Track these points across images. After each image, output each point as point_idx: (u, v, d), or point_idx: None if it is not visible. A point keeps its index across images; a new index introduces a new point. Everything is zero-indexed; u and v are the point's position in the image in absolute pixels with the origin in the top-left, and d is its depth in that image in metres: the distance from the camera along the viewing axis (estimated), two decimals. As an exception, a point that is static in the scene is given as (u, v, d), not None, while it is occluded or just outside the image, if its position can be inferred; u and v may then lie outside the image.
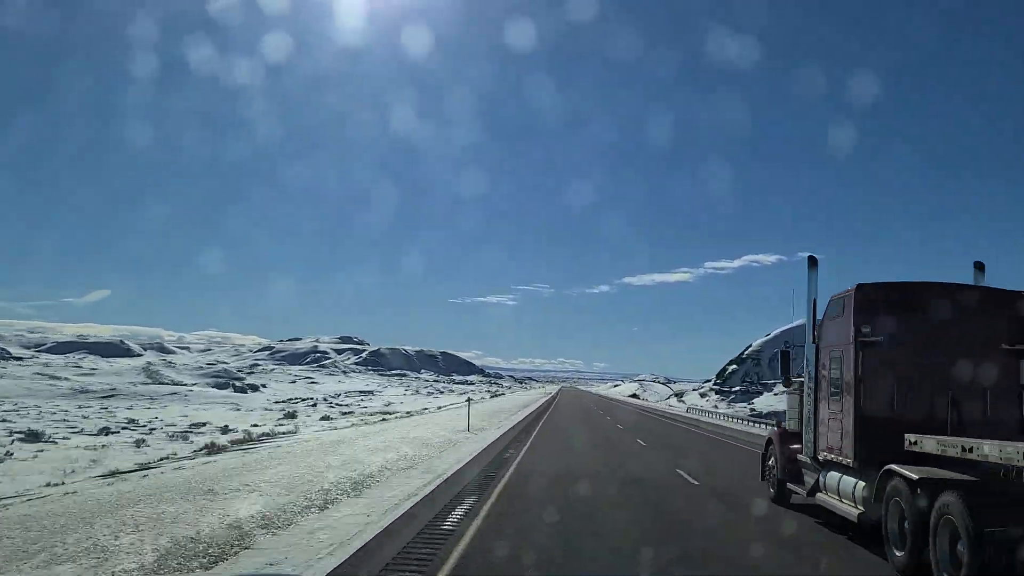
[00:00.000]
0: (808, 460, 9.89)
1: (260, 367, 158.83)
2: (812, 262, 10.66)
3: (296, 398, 71.18)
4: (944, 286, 9.04)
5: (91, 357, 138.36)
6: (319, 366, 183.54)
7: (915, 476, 6.49)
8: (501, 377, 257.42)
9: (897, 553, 6.84)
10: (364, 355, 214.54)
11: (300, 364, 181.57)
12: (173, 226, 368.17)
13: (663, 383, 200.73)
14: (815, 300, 10.32)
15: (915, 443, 7.03)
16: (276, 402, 63.25)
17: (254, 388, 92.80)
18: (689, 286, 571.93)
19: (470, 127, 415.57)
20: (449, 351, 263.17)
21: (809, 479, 9.87)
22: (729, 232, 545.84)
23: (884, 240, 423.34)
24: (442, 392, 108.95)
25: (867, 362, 8.28)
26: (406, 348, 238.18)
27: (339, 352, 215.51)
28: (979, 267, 10.40)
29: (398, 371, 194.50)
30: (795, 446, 10.62)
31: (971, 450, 6.05)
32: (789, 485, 10.71)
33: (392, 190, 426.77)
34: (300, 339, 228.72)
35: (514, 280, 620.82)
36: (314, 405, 59.41)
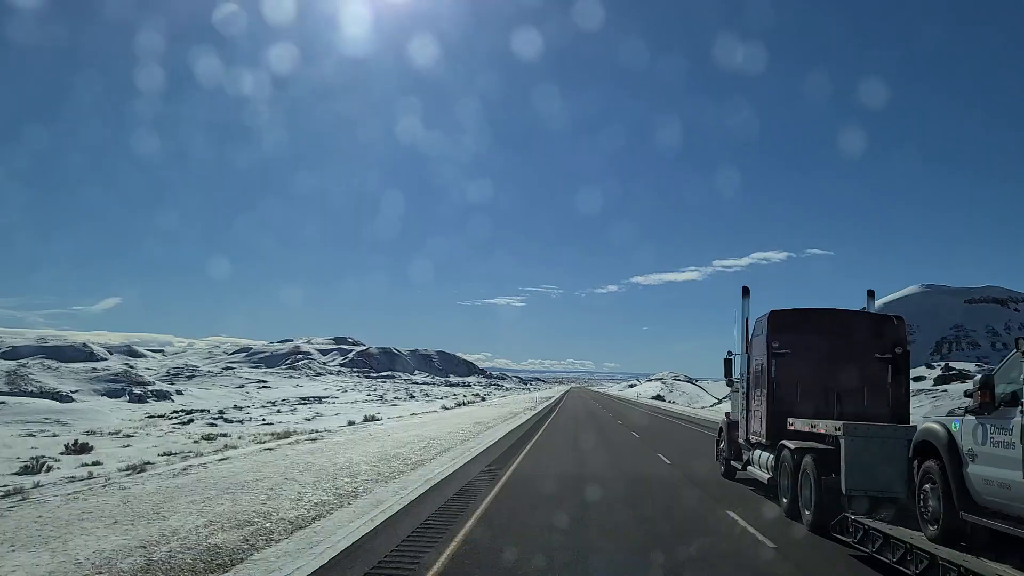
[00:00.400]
0: (743, 442, 13.03)
1: (232, 370, 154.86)
2: (745, 292, 14.00)
3: (195, 410, 58.40)
4: (833, 312, 12.36)
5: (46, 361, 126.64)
6: (292, 367, 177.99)
7: (793, 446, 9.69)
8: (504, 378, 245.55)
9: (784, 500, 10.06)
10: (351, 356, 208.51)
11: (277, 366, 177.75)
12: (183, 233, 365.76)
13: (686, 381, 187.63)
14: (747, 320, 13.57)
15: (792, 424, 10.31)
16: (149, 416, 52.17)
17: (164, 396, 78.03)
18: (698, 284, 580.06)
19: (477, 130, 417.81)
20: (448, 351, 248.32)
21: (745, 456, 12.97)
22: (737, 230, 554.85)
23: (890, 235, 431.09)
24: (415, 397, 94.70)
25: (778, 369, 11.44)
26: (397, 348, 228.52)
27: (324, 353, 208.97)
28: (870, 294, 13.77)
29: (387, 372, 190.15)
30: (736, 433, 13.74)
31: (815, 427, 9.27)
32: (732, 462, 13.84)
33: (400, 195, 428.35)
34: (291, 340, 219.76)
35: (522, 282, 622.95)
36: (188, 422, 44.21)
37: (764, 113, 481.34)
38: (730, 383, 15.17)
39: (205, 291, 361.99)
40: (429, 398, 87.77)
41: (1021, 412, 5.32)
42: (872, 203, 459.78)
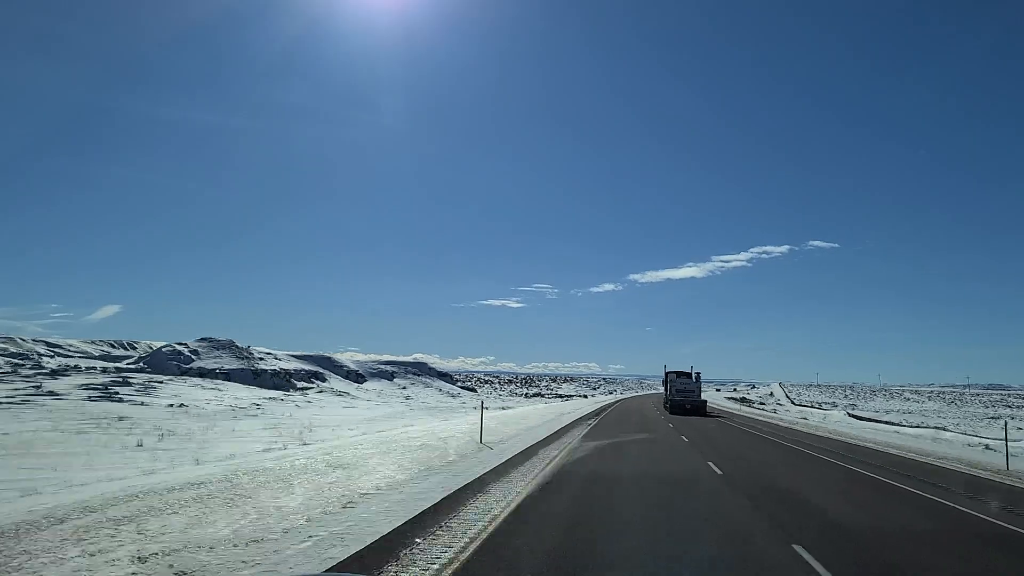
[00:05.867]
0: (668, 400, 53.80)
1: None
2: (665, 370, 57.43)
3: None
4: (682, 372, 55.15)
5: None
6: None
7: (669, 399, 52.78)
8: (492, 382, 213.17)
9: (665, 407, 52.99)
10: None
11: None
12: (180, 240, 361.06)
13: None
14: (666, 366, 57.27)
15: (673, 397, 52.68)
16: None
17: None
18: (699, 281, 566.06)
19: (465, 127, 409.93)
20: (439, 356, 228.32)
21: (664, 400, 55.51)
22: (735, 224, 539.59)
23: (888, 225, 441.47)
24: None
25: (670, 385, 54.28)
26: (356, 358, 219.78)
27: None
28: (693, 372, 56.06)
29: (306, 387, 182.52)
30: (665, 395, 56.49)
31: (666, 390, 53.87)
32: (664, 404, 55.29)
33: (376, 192, 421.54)
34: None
35: (514, 281, 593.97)
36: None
37: (761, 104, 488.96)
38: (664, 383, 58.06)
39: (202, 298, 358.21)
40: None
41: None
42: (866, 194, 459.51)
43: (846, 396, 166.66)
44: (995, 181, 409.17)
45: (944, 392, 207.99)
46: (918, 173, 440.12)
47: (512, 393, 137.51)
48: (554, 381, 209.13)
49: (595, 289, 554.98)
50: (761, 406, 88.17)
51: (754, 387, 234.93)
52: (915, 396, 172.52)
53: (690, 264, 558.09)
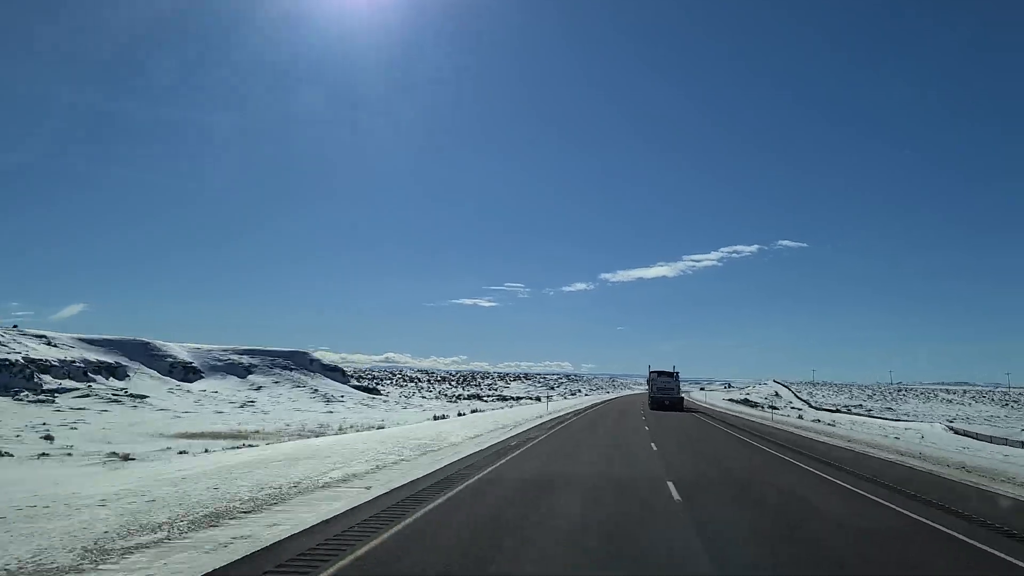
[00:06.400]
0: (649, 397, 58.55)
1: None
2: (649, 369, 62.03)
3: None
4: (664, 371, 59.29)
5: None
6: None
7: (651, 391, 56.97)
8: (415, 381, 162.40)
9: (648, 401, 57.11)
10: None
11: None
12: (146, 237, 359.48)
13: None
14: (650, 365, 60.77)
15: (654, 394, 56.88)
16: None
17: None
18: (670, 281, 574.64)
19: (436, 126, 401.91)
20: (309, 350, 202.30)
21: (651, 400, 59.06)
22: (705, 223, 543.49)
23: (859, 224, 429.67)
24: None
25: (652, 384, 58.63)
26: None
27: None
28: (674, 370, 60.67)
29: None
30: (649, 392, 60.19)
31: (648, 389, 57.63)
32: (648, 401, 59.62)
33: (344, 190, 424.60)
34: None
35: (486, 280, 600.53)
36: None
37: (729, 103, 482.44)
38: (648, 382, 62.07)
39: (168, 297, 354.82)
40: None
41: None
42: (837, 192, 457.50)
43: (870, 397, 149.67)
44: (980, 179, 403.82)
45: (985, 391, 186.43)
46: (890, 171, 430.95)
47: (441, 395, 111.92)
48: (502, 379, 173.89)
49: (567, 288, 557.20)
50: (773, 410, 74.89)
51: (751, 386, 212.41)
52: (954, 397, 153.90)
53: (661, 263, 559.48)
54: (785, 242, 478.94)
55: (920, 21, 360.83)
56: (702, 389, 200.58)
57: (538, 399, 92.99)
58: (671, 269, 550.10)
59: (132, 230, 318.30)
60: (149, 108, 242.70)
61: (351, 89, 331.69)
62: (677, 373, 58.73)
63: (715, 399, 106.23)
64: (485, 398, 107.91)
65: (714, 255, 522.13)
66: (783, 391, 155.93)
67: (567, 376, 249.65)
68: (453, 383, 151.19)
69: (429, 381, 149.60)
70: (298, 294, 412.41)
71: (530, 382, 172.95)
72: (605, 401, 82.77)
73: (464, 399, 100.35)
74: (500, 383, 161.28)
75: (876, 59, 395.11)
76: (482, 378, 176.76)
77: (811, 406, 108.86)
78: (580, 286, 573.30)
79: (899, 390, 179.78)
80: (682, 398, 57.33)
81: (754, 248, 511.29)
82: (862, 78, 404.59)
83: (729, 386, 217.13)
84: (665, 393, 55.95)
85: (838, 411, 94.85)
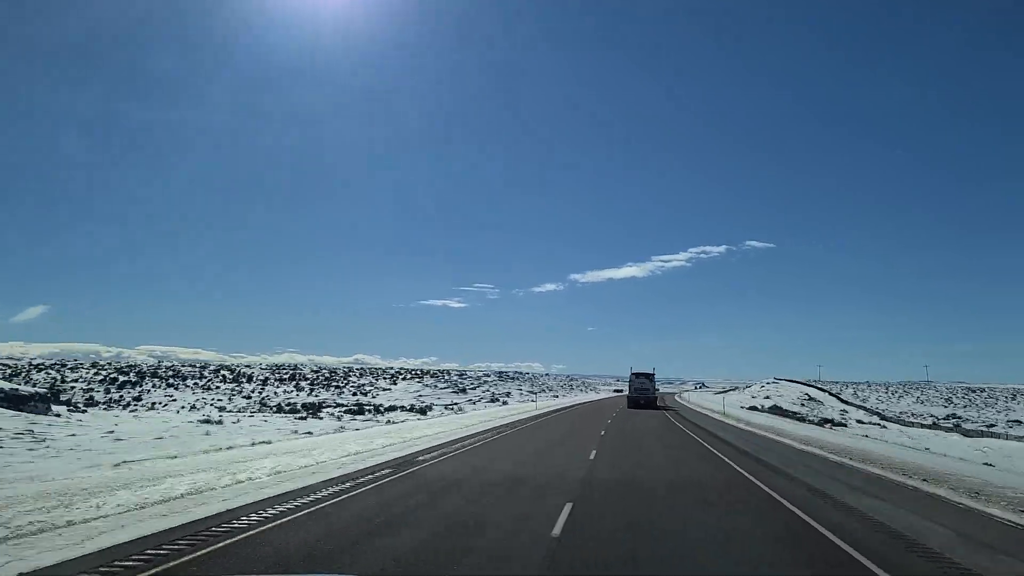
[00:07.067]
0: (627, 397, 62.22)
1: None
2: (631, 370, 66.08)
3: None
4: (643, 373, 62.93)
5: None
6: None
7: (629, 392, 60.29)
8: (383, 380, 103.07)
9: (628, 400, 59.87)
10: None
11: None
12: (111, 240, 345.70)
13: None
14: (632, 367, 63.13)
15: (631, 394, 60.47)
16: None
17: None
18: (640, 281, 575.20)
19: (401, 125, 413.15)
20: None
21: (628, 400, 62.49)
22: (674, 223, 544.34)
23: (826, 224, 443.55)
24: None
25: (630, 384, 62.34)
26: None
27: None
28: (652, 373, 65.10)
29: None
30: (627, 392, 63.38)
31: (627, 390, 61.46)
32: (628, 400, 62.85)
33: (307, 191, 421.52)
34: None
35: (454, 281, 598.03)
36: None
37: (697, 101, 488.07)
38: (629, 382, 65.89)
39: (136, 300, 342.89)
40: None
41: None
42: (813, 194, 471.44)
43: (952, 403, 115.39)
44: (973, 180, 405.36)
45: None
46: (881, 170, 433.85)
47: (261, 404, 60.91)
48: (392, 378, 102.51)
49: (537, 289, 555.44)
50: (839, 427, 48.39)
51: (748, 386, 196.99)
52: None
53: (631, 264, 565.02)
54: (752, 243, 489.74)
55: (905, 20, 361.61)
56: (696, 388, 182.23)
57: (422, 412, 52.51)
58: (641, 269, 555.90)
59: (96, 231, 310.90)
60: (102, 104, 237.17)
61: (312, 92, 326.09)
62: (652, 374, 63.43)
63: (734, 407, 64.46)
64: (332, 408, 56.28)
65: (683, 255, 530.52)
66: (825, 397, 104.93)
67: (517, 373, 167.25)
68: (317, 382, 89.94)
69: (266, 381, 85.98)
70: (264, 296, 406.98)
71: (435, 380, 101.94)
72: (520, 422, 35.46)
73: (288, 411, 48.93)
74: (382, 383, 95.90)
75: (862, 58, 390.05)
76: (360, 374, 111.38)
77: (884, 418, 75.37)
78: (550, 287, 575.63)
79: (1014, 394, 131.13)
80: (655, 397, 62.53)
81: (722, 248, 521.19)
82: (849, 78, 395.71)
83: (733, 389, 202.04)
84: (641, 393, 59.73)
85: (953, 429, 58.54)
